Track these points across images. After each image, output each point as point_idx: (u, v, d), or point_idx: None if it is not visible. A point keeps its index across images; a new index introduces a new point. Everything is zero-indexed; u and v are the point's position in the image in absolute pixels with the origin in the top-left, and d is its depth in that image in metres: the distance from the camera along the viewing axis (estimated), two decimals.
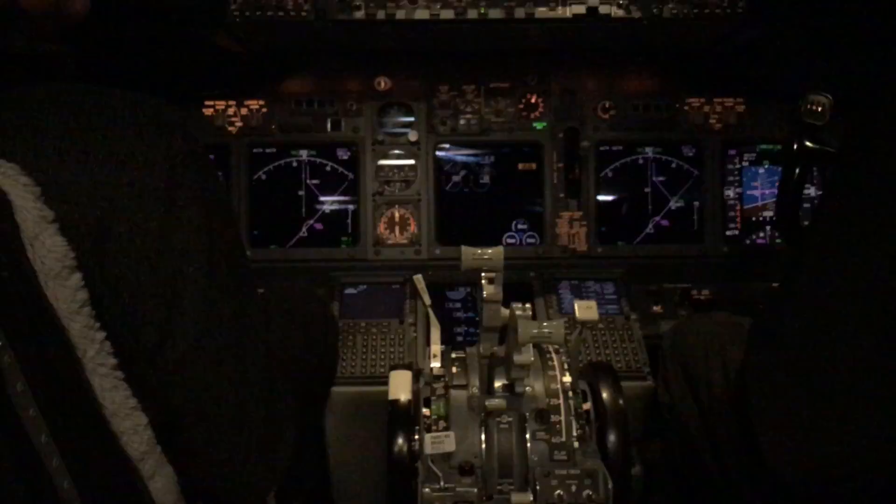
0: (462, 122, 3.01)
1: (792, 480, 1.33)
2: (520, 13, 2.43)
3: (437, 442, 1.67)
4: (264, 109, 2.99)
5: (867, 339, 1.18)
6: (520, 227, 3.01)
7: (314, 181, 2.98)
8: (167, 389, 1.11)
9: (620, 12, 2.44)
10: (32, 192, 0.95)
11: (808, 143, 2.25)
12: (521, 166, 3.02)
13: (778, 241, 2.98)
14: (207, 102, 2.99)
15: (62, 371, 0.95)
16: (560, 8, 2.43)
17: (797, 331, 1.29)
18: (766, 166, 3.01)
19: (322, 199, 2.99)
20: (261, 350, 1.24)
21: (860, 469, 1.25)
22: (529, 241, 3.00)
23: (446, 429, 1.71)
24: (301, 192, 2.98)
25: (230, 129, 2.98)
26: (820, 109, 2.21)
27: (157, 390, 1.10)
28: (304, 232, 2.98)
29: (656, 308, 2.93)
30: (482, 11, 2.43)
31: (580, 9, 2.43)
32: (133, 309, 1.04)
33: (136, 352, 1.06)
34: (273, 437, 1.28)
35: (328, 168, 2.99)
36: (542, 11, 2.44)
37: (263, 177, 2.97)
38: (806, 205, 2.50)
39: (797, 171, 2.30)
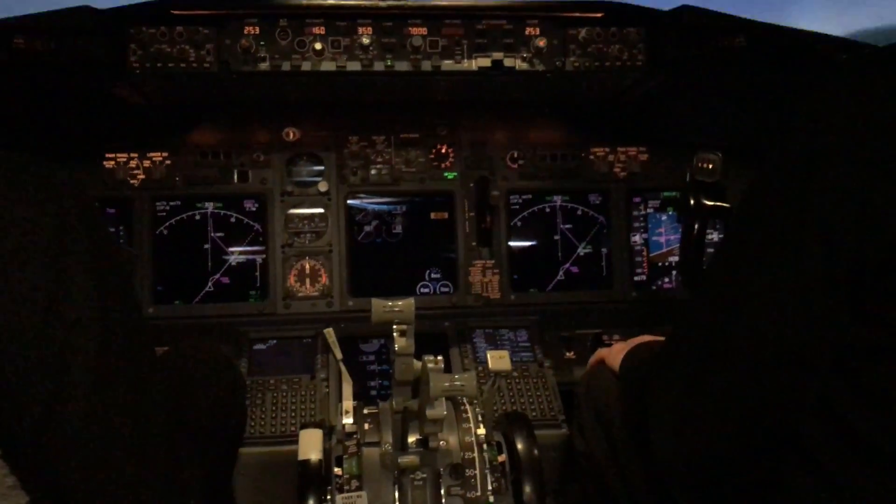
0: (373, 172, 2.99)
1: (677, 470, 1.44)
2: (426, 66, 2.45)
3: (349, 503, 1.62)
4: (168, 162, 2.90)
5: (745, 367, 1.28)
6: (433, 276, 3.00)
7: (219, 234, 2.90)
8: (56, 467, 1.04)
9: (525, 65, 2.49)
10: None
11: (703, 201, 2.34)
12: (433, 215, 3.03)
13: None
14: (108, 155, 2.89)
15: None
16: (465, 61, 2.46)
17: (692, 349, 1.38)
18: (670, 213, 3.11)
19: (229, 251, 2.91)
20: (160, 419, 1.18)
21: (734, 465, 1.37)
22: (443, 290, 2.99)
23: (359, 488, 1.67)
24: (207, 246, 2.89)
25: (132, 182, 2.88)
26: (711, 167, 2.31)
27: (44, 467, 1.02)
28: (210, 286, 2.88)
29: (569, 354, 2.95)
30: (388, 64, 2.44)
31: (485, 62, 2.47)
32: (15, 383, 0.97)
33: (19, 428, 0.98)
34: None
35: (233, 220, 2.92)
36: (448, 64, 2.46)
37: (166, 231, 2.88)
38: (710, 250, 2.57)
39: (696, 225, 2.38)
